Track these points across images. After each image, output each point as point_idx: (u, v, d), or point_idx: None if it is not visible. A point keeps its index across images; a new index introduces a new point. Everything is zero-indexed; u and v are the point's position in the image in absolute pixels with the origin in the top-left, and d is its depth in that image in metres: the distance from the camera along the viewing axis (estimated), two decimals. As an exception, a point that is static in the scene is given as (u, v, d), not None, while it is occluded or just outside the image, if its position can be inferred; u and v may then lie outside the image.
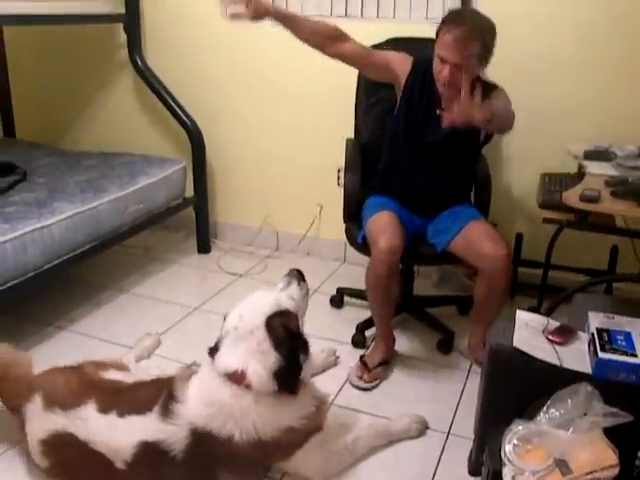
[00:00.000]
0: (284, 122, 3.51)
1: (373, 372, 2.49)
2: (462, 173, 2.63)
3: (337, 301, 3.06)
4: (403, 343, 2.75)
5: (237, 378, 1.77)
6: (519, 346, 1.73)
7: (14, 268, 2.43)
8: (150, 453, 1.75)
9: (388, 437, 2.13)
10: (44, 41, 3.98)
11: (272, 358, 1.78)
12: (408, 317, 2.86)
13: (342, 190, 2.73)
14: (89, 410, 1.82)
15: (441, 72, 2.34)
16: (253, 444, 1.76)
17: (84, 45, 3.87)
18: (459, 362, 2.64)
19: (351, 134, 2.96)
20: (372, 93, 2.90)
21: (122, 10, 3.47)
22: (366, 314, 2.79)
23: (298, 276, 2.00)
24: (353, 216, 2.67)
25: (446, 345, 2.69)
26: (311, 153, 3.49)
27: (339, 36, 2.52)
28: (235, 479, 1.86)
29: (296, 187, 3.58)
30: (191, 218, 3.64)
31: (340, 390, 2.43)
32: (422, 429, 2.20)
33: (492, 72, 2.86)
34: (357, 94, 2.94)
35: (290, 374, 1.81)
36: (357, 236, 2.56)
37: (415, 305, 2.89)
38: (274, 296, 1.91)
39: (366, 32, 3.08)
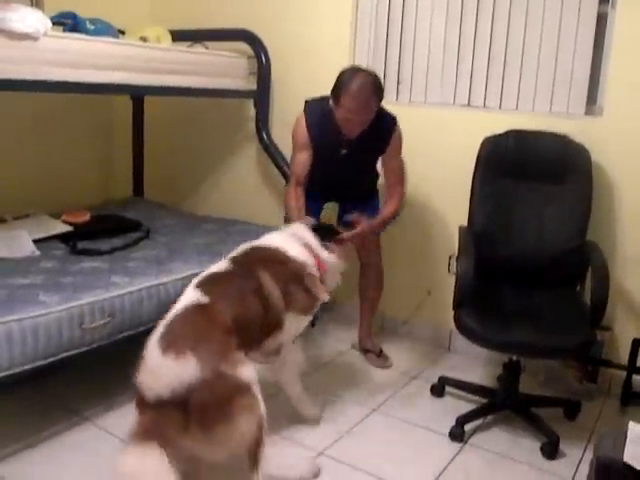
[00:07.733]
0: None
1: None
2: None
3: (438, 390, 2.97)
4: (503, 442, 2.62)
5: None
6: (631, 462, 1.63)
7: (130, 319, 2.56)
8: None
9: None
10: (178, 109, 4.25)
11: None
12: (511, 415, 2.73)
13: (453, 277, 2.70)
14: None
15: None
16: None
17: (215, 115, 4.11)
18: (563, 469, 2.47)
19: (464, 222, 2.97)
20: (488, 183, 2.93)
21: (254, 87, 3.70)
22: (468, 407, 2.71)
23: None
24: (464, 303, 2.62)
25: (550, 449, 2.54)
26: (423, 239, 3.49)
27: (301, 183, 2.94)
28: None
29: (405, 272, 3.58)
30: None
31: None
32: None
33: None
34: (473, 183, 2.96)
35: None
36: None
37: (520, 403, 2.75)
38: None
39: (487, 122, 3.11)
